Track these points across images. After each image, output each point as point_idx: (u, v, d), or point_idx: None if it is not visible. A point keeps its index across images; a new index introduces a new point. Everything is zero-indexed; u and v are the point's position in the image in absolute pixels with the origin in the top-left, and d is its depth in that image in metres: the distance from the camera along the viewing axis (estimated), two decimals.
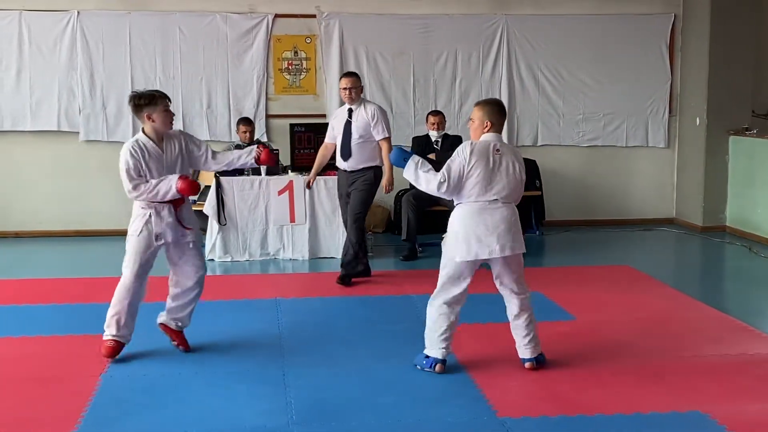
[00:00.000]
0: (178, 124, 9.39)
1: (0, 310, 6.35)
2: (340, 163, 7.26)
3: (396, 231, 9.33)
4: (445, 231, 5.02)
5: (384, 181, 7.25)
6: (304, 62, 9.76)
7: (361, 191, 7.16)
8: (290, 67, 9.75)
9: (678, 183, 10.36)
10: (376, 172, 7.23)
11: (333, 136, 7.32)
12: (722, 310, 6.36)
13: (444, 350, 4.96)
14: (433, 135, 8.78)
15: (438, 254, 5.08)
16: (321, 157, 7.49)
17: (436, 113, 8.86)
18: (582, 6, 10.01)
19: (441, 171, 4.85)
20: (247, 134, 8.91)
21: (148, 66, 9.47)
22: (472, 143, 4.89)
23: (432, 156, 8.22)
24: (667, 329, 5.89)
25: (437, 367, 4.94)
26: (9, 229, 9.52)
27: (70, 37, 9.32)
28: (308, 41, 9.74)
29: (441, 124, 8.78)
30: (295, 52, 9.74)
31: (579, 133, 10.17)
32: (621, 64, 10.07)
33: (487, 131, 4.92)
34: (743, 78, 9.63)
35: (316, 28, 9.70)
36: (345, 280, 7.18)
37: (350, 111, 7.22)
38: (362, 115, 7.16)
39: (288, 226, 8.28)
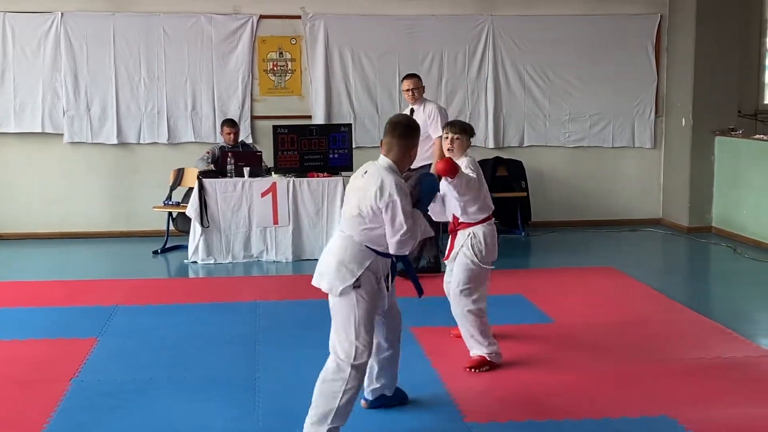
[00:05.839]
0: (162, 127, 9.49)
1: None
2: None
3: None
4: None
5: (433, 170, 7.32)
6: (289, 63, 9.73)
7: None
8: (275, 68, 9.72)
9: (664, 183, 10.34)
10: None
11: None
12: (702, 313, 6.33)
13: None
14: None
15: None
16: None
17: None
18: (567, 7, 9.98)
19: None
20: (232, 136, 8.86)
21: (132, 67, 9.44)
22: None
23: None
24: (645, 332, 5.87)
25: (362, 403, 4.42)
26: None
27: (54, 39, 9.28)
28: (293, 42, 9.71)
29: None
30: (280, 53, 9.71)
31: (565, 133, 10.14)
32: (607, 64, 10.03)
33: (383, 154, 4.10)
34: (729, 78, 9.62)
35: (301, 29, 9.67)
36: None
37: (412, 111, 7.35)
38: (420, 114, 7.27)
39: (271, 228, 8.26)
